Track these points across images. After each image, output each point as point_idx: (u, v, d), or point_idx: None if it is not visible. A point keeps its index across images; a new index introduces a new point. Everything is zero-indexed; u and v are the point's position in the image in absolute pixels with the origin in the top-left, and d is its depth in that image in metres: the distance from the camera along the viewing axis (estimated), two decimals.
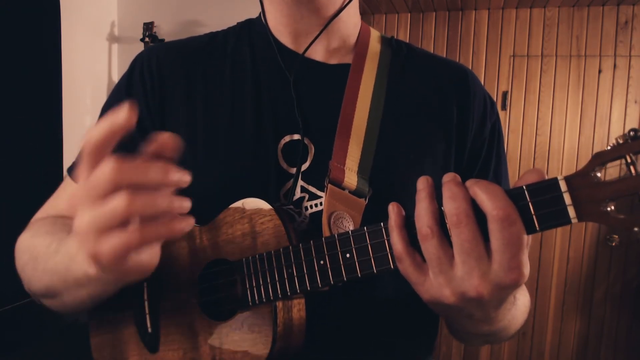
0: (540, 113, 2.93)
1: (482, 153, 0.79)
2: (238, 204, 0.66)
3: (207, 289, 0.69)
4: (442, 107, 0.78)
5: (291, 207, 0.71)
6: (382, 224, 0.55)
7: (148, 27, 2.80)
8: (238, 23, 0.87)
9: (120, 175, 0.44)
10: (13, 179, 2.10)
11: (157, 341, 0.70)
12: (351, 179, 0.70)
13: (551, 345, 3.00)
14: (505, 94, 2.96)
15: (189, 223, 0.48)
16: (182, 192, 0.48)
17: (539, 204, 0.47)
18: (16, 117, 2.15)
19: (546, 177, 0.47)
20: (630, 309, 2.88)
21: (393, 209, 0.53)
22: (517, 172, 2.95)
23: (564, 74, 2.89)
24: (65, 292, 0.64)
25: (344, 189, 0.70)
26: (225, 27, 0.87)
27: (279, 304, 0.62)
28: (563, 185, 0.46)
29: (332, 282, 0.58)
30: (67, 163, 0.83)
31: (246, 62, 0.79)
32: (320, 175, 0.72)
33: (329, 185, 0.69)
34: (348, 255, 0.57)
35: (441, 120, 0.77)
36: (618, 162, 0.45)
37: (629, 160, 0.43)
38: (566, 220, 0.46)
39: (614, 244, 2.83)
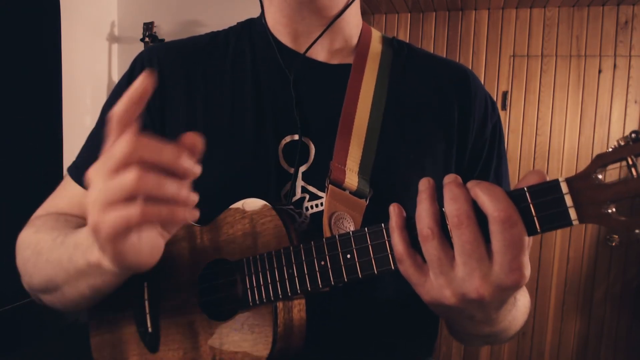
0: (540, 113, 2.93)
1: (483, 154, 0.79)
2: (238, 204, 0.66)
3: (207, 289, 0.69)
4: (443, 107, 0.78)
5: (291, 207, 0.71)
6: (383, 225, 0.55)
7: (148, 27, 2.80)
8: (238, 23, 0.87)
9: (136, 149, 0.45)
10: (13, 179, 2.10)
11: (158, 341, 0.70)
12: (352, 179, 0.70)
13: (551, 345, 3.00)
14: (505, 94, 2.95)
15: (193, 214, 0.48)
16: None
17: (540, 206, 0.47)
18: (16, 117, 2.15)
19: (547, 179, 0.47)
20: (630, 309, 2.88)
21: (394, 210, 0.53)
22: (517, 172, 2.95)
23: (564, 74, 2.89)
24: (65, 284, 0.64)
25: (344, 189, 0.70)
26: (225, 27, 0.87)
27: (280, 305, 0.62)
28: (564, 187, 0.46)
29: (332, 283, 0.58)
30: (67, 163, 0.83)
31: (246, 62, 0.79)
32: (321, 176, 0.72)
33: (330, 185, 0.69)
34: (349, 256, 0.57)
35: (442, 120, 0.77)
36: (618, 164, 0.45)
37: (630, 162, 0.43)
38: (567, 222, 0.46)
39: (614, 244, 2.83)
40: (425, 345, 0.83)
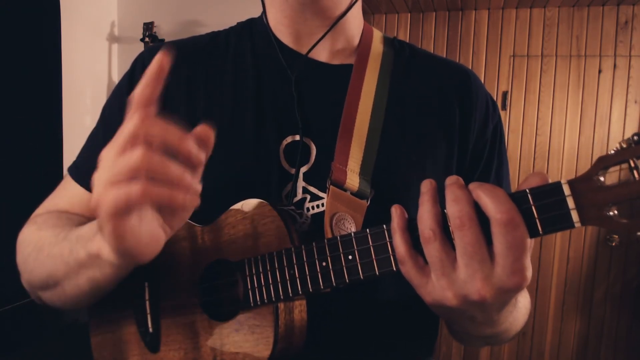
0: (540, 113, 2.93)
1: (484, 154, 0.79)
2: (239, 205, 0.66)
3: (208, 289, 0.69)
4: (444, 108, 0.78)
5: (292, 208, 0.71)
6: (384, 226, 0.55)
7: (148, 27, 2.80)
8: (239, 23, 0.87)
9: (144, 127, 0.46)
10: (13, 179, 2.10)
11: (158, 341, 0.70)
12: (353, 180, 0.70)
13: (551, 345, 3.00)
14: (505, 94, 2.96)
15: (194, 200, 0.48)
16: None
17: (543, 208, 0.47)
18: (16, 117, 2.15)
19: (549, 181, 0.47)
20: (630, 309, 2.88)
21: (396, 211, 0.53)
22: (517, 172, 2.96)
23: (564, 74, 2.89)
24: (65, 278, 0.64)
25: (345, 190, 0.69)
26: (225, 27, 0.87)
27: (281, 305, 0.62)
28: (566, 189, 0.46)
29: (334, 284, 0.58)
30: (67, 163, 0.83)
31: (248, 62, 0.79)
32: (322, 176, 0.72)
33: (331, 186, 0.69)
34: (350, 257, 0.57)
35: (443, 121, 0.77)
36: (619, 166, 0.45)
37: (632, 164, 0.43)
38: (569, 225, 0.46)
39: (614, 244, 2.84)
40: (426, 346, 0.83)
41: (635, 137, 0.42)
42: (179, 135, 0.47)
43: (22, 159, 2.19)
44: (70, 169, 0.82)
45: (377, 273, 0.55)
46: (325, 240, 0.59)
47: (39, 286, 0.71)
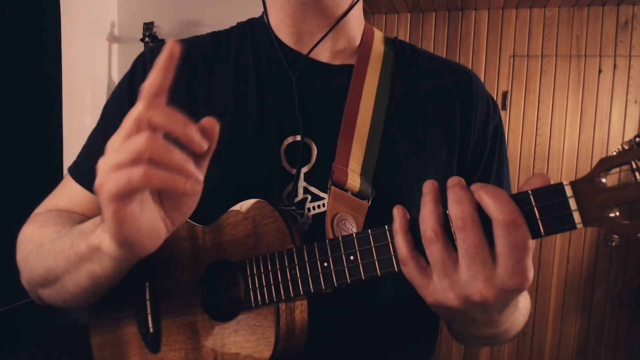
0: (540, 113, 2.93)
1: (484, 155, 0.79)
2: (240, 205, 0.66)
3: (209, 289, 0.69)
4: (445, 109, 0.78)
5: (293, 208, 0.71)
6: (386, 226, 0.55)
7: (148, 27, 2.80)
8: (240, 22, 0.87)
9: (149, 112, 0.46)
10: (13, 179, 2.10)
11: (159, 341, 0.70)
12: (354, 180, 0.70)
13: (551, 345, 3.00)
14: (505, 94, 2.96)
15: (196, 188, 0.48)
16: None
17: (545, 209, 0.47)
18: (16, 117, 2.15)
19: (551, 182, 0.47)
20: (630, 309, 2.88)
21: (398, 212, 0.53)
22: (517, 172, 2.96)
23: (564, 74, 2.89)
24: (66, 273, 0.64)
25: (346, 190, 0.69)
26: (225, 27, 0.87)
27: (282, 306, 0.62)
28: (569, 191, 0.46)
29: (335, 285, 0.58)
30: (67, 163, 0.83)
31: (249, 62, 0.79)
32: (323, 177, 0.72)
33: (332, 186, 0.69)
34: (352, 257, 0.57)
35: (444, 122, 0.77)
36: (618, 168, 0.45)
37: (634, 166, 0.43)
38: (571, 226, 0.46)
39: (614, 244, 2.84)
40: (426, 346, 0.83)
41: (637, 139, 0.42)
42: (183, 121, 0.47)
43: (22, 159, 2.19)
44: (70, 169, 0.82)
45: (379, 274, 0.55)
46: (327, 241, 0.59)
47: (38, 283, 0.71)
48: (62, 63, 2.42)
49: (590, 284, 2.93)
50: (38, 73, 2.29)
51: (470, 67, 1.17)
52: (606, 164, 0.45)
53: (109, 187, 0.46)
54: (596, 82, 2.86)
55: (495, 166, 0.80)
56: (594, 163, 2.92)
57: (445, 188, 0.50)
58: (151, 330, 0.71)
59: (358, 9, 0.81)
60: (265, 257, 0.63)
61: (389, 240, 0.55)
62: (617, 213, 0.44)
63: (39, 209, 0.82)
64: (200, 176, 0.49)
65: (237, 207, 0.66)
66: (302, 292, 0.60)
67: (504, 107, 2.95)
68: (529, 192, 0.47)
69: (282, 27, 0.79)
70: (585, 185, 0.46)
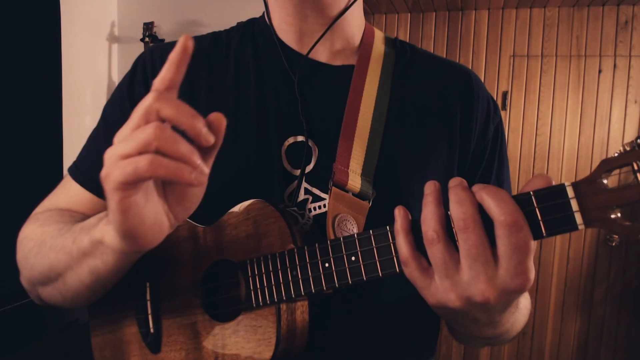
0: (540, 113, 2.93)
1: (484, 156, 0.79)
2: (241, 205, 0.66)
3: (210, 289, 0.69)
4: (446, 109, 0.78)
5: (295, 208, 0.71)
6: (387, 227, 0.55)
7: (148, 27, 2.80)
8: (240, 22, 0.86)
9: (157, 103, 0.46)
10: (13, 179, 2.10)
11: (159, 342, 0.70)
12: (355, 181, 0.70)
13: (551, 345, 3.00)
14: (505, 94, 2.96)
15: (201, 179, 0.48)
16: None
17: (546, 210, 0.47)
18: (16, 117, 2.15)
19: (553, 183, 0.47)
20: (630, 309, 2.88)
21: (399, 213, 0.53)
22: (517, 172, 2.96)
23: (564, 74, 2.89)
24: (67, 269, 0.64)
25: (347, 191, 0.69)
26: (225, 27, 0.87)
27: (283, 306, 0.62)
28: (570, 192, 0.46)
29: (337, 285, 0.58)
30: (67, 163, 0.83)
31: (249, 63, 0.79)
32: (323, 178, 0.72)
33: (333, 187, 0.69)
34: (353, 258, 0.57)
35: (445, 122, 0.77)
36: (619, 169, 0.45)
37: (636, 167, 0.43)
38: (573, 227, 0.46)
39: (614, 244, 2.84)
40: (427, 346, 0.83)
41: (639, 140, 0.42)
42: (192, 114, 0.47)
43: (22, 159, 2.19)
44: (70, 169, 0.81)
45: (380, 274, 0.55)
46: (328, 241, 0.59)
47: (39, 281, 0.70)
48: (62, 63, 2.42)
49: (590, 284, 2.93)
50: (38, 73, 2.29)
51: (470, 67, 1.17)
52: (608, 165, 0.45)
53: (116, 176, 0.46)
54: (596, 82, 2.86)
55: (495, 167, 0.80)
56: (594, 163, 2.92)
57: (446, 189, 0.51)
58: (152, 330, 0.71)
59: (358, 9, 0.81)
60: (266, 257, 0.63)
61: (391, 241, 0.55)
62: (619, 214, 0.45)
63: (39, 209, 0.81)
64: (206, 169, 0.49)
65: (238, 207, 0.66)
66: (303, 293, 0.60)
67: (504, 107, 2.95)
68: (531, 193, 0.47)
69: (284, 27, 0.79)
70: (587, 187, 0.46)
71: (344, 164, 0.71)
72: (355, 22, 0.81)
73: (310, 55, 0.78)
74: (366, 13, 3.03)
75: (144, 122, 0.46)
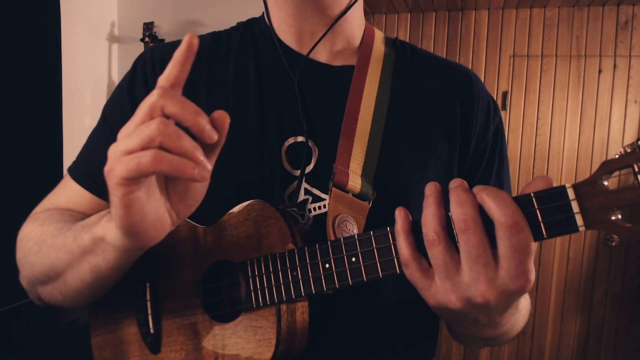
0: (540, 113, 2.93)
1: (485, 156, 0.79)
2: (241, 206, 0.66)
3: (210, 290, 0.69)
4: (446, 110, 0.78)
5: (295, 209, 0.71)
6: (388, 228, 0.55)
7: (148, 27, 2.80)
8: (240, 22, 0.86)
9: (161, 100, 0.47)
10: (13, 179, 2.10)
11: (159, 342, 0.70)
12: (355, 182, 0.70)
13: (551, 345, 3.00)
14: (505, 94, 2.96)
15: (203, 174, 0.48)
16: None
17: (547, 212, 0.47)
18: (16, 117, 2.15)
19: (554, 185, 0.47)
20: (630, 309, 2.88)
21: (400, 214, 0.53)
22: (517, 172, 2.96)
23: (564, 74, 2.89)
24: (68, 267, 0.64)
25: (347, 192, 0.69)
26: (225, 27, 0.86)
27: (283, 307, 0.62)
28: (571, 193, 0.46)
29: (337, 286, 0.58)
30: (67, 163, 0.83)
31: (249, 63, 0.79)
32: (323, 178, 0.72)
33: (333, 188, 0.69)
34: (354, 259, 0.57)
35: (445, 123, 0.77)
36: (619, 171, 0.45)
37: (636, 169, 0.43)
38: (574, 228, 0.46)
39: (614, 244, 2.84)
40: (427, 347, 0.83)
41: None
42: (195, 111, 0.47)
43: (22, 159, 2.19)
44: (69, 169, 0.81)
45: (381, 275, 0.55)
46: (329, 242, 0.59)
47: (39, 280, 0.70)
48: (62, 63, 2.42)
49: (590, 284, 2.93)
50: (38, 73, 2.29)
51: (470, 67, 1.17)
52: (608, 167, 0.45)
53: (119, 171, 0.46)
54: (596, 82, 2.86)
55: (495, 167, 0.80)
56: (594, 163, 2.91)
57: (446, 189, 0.51)
58: (152, 330, 0.71)
59: (358, 9, 0.81)
60: (266, 258, 0.63)
61: (391, 242, 0.55)
62: (619, 216, 0.45)
63: (38, 208, 0.81)
64: (209, 165, 0.49)
65: (238, 207, 0.66)
66: (303, 294, 0.60)
67: (504, 107, 2.95)
68: (532, 194, 0.47)
69: (284, 27, 0.79)
70: (588, 188, 0.46)
71: (344, 164, 0.71)
72: (355, 22, 0.81)
73: (311, 56, 0.78)
74: (366, 13, 3.03)
75: (148, 118, 0.47)
